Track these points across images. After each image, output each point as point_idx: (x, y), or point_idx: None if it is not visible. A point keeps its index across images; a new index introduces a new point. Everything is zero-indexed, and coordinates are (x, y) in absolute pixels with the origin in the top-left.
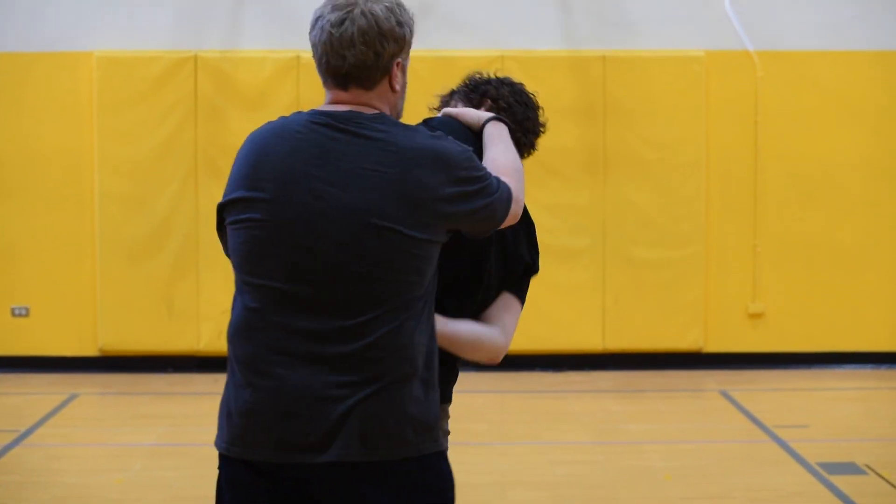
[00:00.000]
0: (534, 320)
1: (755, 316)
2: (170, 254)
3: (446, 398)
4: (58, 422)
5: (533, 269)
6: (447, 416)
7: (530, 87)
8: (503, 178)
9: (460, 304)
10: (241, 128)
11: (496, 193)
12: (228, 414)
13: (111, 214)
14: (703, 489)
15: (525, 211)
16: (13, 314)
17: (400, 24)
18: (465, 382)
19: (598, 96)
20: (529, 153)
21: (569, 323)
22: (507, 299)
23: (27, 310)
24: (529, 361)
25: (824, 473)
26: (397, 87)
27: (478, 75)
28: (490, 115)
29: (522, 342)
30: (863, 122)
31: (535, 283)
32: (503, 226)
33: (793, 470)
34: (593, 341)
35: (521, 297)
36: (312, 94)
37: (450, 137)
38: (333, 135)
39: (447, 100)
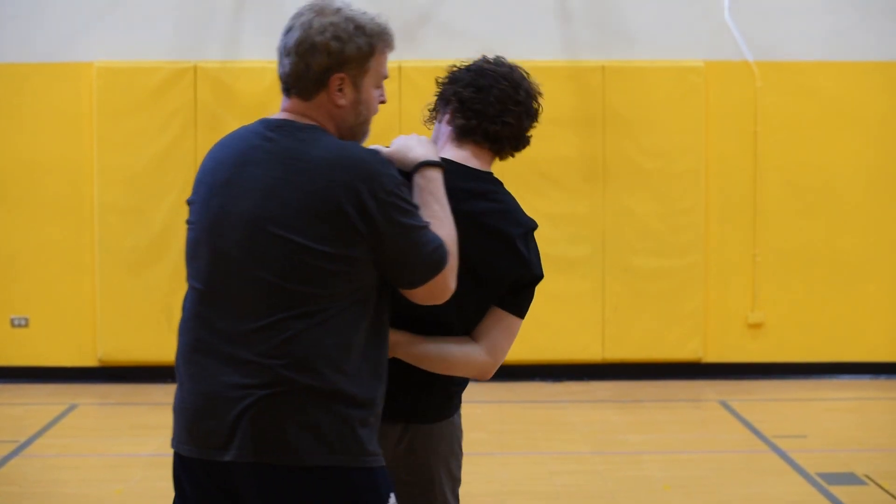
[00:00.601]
0: (533, 330)
1: (754, 326)
2: (169, 263)
3: (442, 414)
4: (57, 432)
5: (526, 280)
6: (449, 433)
7: None
8: (449, 250)
9: (446, 332)
10: None
11: (425, 244)
12: (173, 410)
13: (110, 224)
14: (702, 499)
15: (514, 216)
16: (13, 324)
17: (338, 38)
18: (464, 392)
19: (597, 106)
20: (512, 147)
21: (568, 333)
22: (496, 314)
23: (26, 320)
24: (528, 371)
25: (824, 484)
26: (341, 103)
27: (446, 76)
28: (421, 159)
29: (521, 352)
30: (863, 132)
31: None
32: (424, 300)
33: (792, 480)
34: (593, 351)
35: (515, 310)
36: None
37: (381, 156)
38: (259, 142)
39: (433, 113)
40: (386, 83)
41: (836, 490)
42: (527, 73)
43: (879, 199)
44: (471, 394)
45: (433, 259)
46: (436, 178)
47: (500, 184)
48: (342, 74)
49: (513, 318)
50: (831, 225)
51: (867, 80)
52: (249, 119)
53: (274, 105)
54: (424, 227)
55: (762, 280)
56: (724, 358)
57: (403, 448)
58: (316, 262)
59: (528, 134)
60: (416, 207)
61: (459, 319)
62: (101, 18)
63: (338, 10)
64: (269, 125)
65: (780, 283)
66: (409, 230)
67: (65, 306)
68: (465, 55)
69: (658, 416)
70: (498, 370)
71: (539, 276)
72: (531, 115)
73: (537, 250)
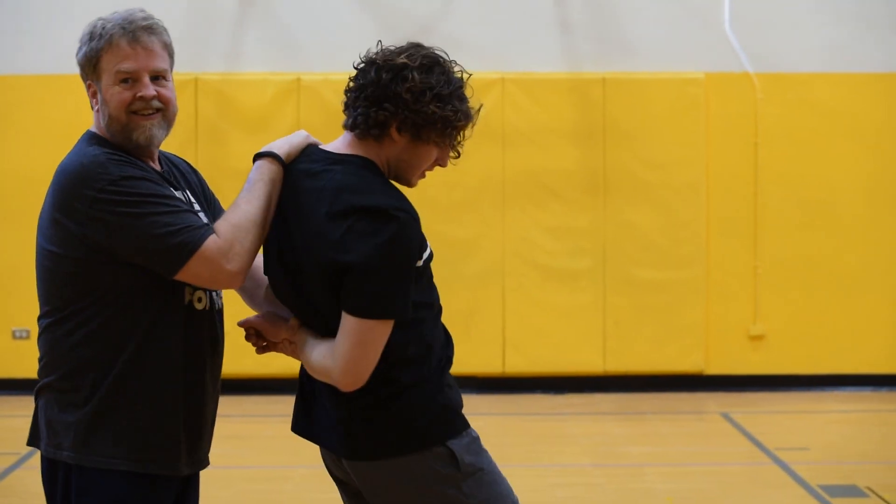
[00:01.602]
0: (534, 342)
1: (756, 338)
2: None
3: (380, 449)
4: None
5: (338, 268)
6: (433, 458)
7: (530, 110)
8: (221, 232)
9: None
10: (241, 150)
11: (156, 231)
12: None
13: None
14: None
15: (339, 195)
16: (14, 336)
17: (79, 48)
18: (465, 405)
19: (598, 118)
20: (443, 136)
21: (569, 345)
22: (343, 320)
23: (28, 332)
24: (530, 384)
25: (826, 496)
26: (95, 108)
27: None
28: (261, 151)
29: (523, 364)
30: (863, 143)
31: (535, 305)
32: (203, 285)
33: (794, 492)
34: (594, 363)
35: (348, 307)
36: (313, 117)
37: (102, 156)
38: None
39: None
40: None
41: (839, 502)
42: (395, 53)
43: (880, 210)
44: (472, 406)
45: (172, 243)
46: (257, 167)
47: (356, 165)
48: (88, 81)
49: (349, 318)
50: (832, 237)
51: (867, 92)
52: (251, 131)
53: (275, 117)
54: (152, 214)
55: (763, 292)
56: (726, 370)
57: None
58: (48, 262)
59: (380, 111)
60: (143, 198)
61: (316, 318)
62: None
63: (91, 23)
64: None
65: (782, 295)
66: (131, 220)
67: None
68: (467, 67)
69: (660, 428)
70: (498, 382)
71: (353, 264)
72: (436, 123)
73: (371, 233)
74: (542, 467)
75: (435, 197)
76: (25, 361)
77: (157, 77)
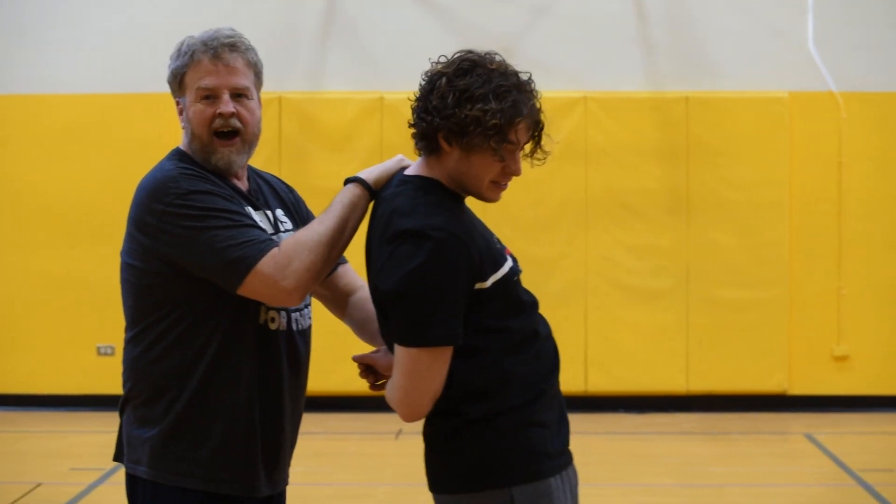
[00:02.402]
0: (616, 361)
1: (840, 359)
2: None
3: (451, 483)
4: None
5: (378, 295)
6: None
7: (612, 129)
8: (283, 247)
9: None
10: (324, 169)
11: (217, 245)
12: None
13: None
14: None
15: (395, 219)
16: (99, 353)
17: (168, 66)
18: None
19: (681, 137)
20: (487, 139)
21: (652, 364)
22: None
23: (112, 349)
24: (612, 403)
25: None
26: (182, 125)
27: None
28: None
29: (605, 383)
30: None
31: (618, 324)
32: (248, 293)
33: None
34: (677, 383)
35: (395, 336)
36: (395, 136)
37: (175, 171)
38: None
39: None
40: None
41: None
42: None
43: None
44: None
45: (231, 257)
46: (341, 191)
47: (413, 186)
48: (176, 99)
49: (396, 348)
50: None
51: None
52: (334, 150)
53: (358, 135)
54: (215, 228)
55: (847, 313)
56: (810, 390)
57: None
58: (128, 275)
59: (429, 118)
60: (209, 211)
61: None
62: None
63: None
64: None
65: (866, 316)
66: (195, 233)
67: None
68: (550, 87)
69: (743, 448)
70: (581, 401)
71: (387, 291)
72: (429, 101)
73: (407, 258)
74: (625, 486)
75: (517, 216)
76: (109, 378)
77: (240, 95)
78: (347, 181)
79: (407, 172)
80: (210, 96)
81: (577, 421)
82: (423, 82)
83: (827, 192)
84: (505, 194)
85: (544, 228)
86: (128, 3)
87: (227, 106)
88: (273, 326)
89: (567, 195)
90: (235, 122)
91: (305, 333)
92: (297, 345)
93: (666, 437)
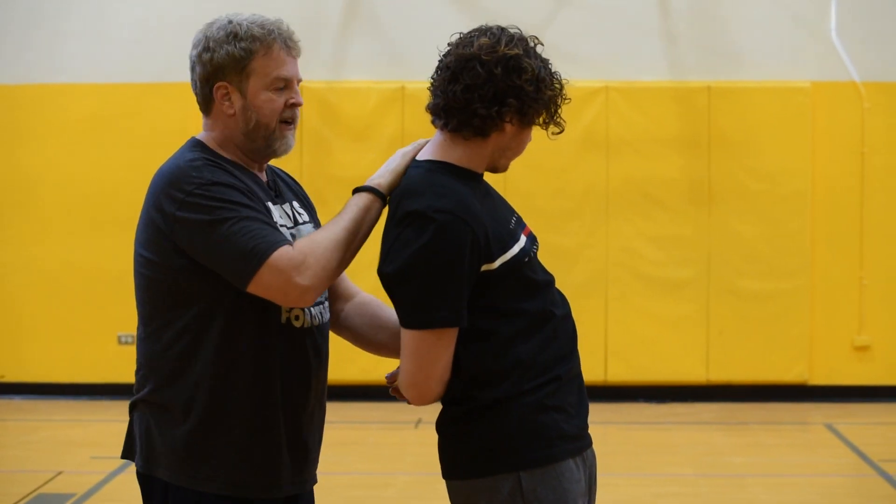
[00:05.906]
0: (637, 351)
1: (861, 349)
2: None
3: (461, 468)
4: None
5: (382, 276)
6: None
7: (634, 119)
8: (297, 245)
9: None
10: (346, 158)
11: (232, 237)
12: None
13: None
14: None
15: (404, 199)
16: (119, 342)
17: (207, 49)
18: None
19: (703, 127)
20: (552, 115)
21: (672, 354)
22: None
23: (133, 338)
24: (632, 392)
25: None
26: (229, 112)
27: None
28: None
29: (625, 373)
30: None
31: (638, 314)
32: (276, 300)
33: None
34: (697, 373)
35: (400, 318)
36: (417, 126)
37: (199, 160)
38: None
39: None
40: None
41: None
42: (481, 36)
43: None
44: None
45: (245, 248)
46: (359, 197)
47: (424, 168)
48: (222, 83)
49: (401, 331)
50: None
51: None
52: (355, 139)
53: (379, 125)
54: (233, 220)
55: (869, 303)
56: (831, 381)
57: None
58: (144, 269)
59: (471, 100)
60: (226, 203)
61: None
62: None
63: (219, 22)
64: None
65: (888, 306)
66: (212, 224)
67: None
68: (573, 77)
69: (763, 438)
70: (601, 391)
71: (389, 274)
72: (460, 77)
73: (412, 240)
74: (644, 476)
75: (539, 206)
76: (130, 367)
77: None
78: (356, 191)
79: (419, 157)
80: (283, 87)
81: (596, 411)
82: (478, 66)
83: (849, 182)
84: (526, 184)
85: (566, 218)
86: None
87: (300, 97)
88: (297, 324)
89: (589, 185)
90: (298, 112)
91: (325, 327)
92: (318, 340)
93: (686, 428)
